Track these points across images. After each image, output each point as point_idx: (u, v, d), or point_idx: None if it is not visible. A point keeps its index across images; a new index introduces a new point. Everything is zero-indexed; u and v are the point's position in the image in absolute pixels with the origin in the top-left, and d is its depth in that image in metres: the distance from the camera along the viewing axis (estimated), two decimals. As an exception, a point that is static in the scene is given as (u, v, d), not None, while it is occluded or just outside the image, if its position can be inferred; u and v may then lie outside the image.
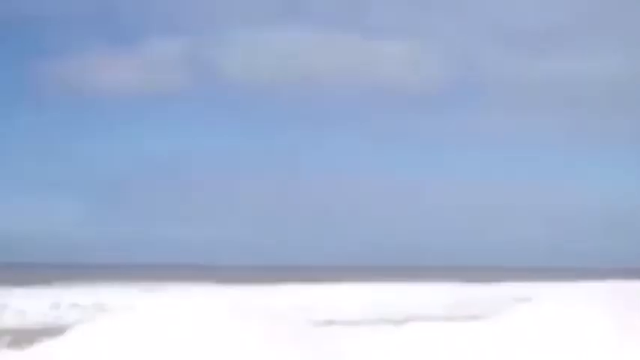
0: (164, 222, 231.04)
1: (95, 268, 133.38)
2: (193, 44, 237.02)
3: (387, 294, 57.46)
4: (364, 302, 48.83)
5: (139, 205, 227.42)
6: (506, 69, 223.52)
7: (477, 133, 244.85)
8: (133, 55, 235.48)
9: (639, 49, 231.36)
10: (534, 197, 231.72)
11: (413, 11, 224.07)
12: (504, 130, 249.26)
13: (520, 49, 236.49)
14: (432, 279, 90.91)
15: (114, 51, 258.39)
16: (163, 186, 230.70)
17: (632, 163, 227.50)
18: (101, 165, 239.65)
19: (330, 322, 34.43)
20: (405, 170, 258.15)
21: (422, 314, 37.37)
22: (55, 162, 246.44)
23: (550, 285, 72.38)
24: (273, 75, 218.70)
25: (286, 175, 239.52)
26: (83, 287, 61.18)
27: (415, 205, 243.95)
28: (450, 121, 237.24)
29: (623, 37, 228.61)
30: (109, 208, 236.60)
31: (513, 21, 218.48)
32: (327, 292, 59.00)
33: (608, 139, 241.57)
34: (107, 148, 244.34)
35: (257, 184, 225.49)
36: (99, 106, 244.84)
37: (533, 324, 24.72)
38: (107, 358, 21.05)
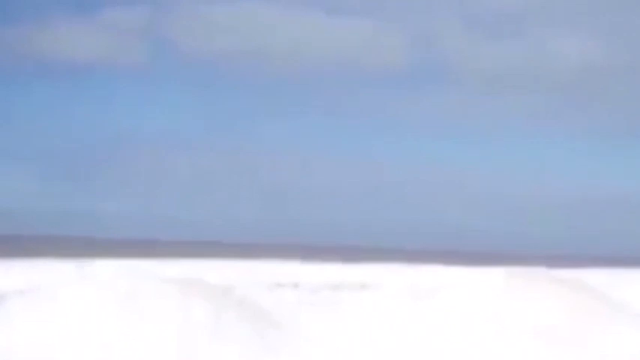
0: (116, 196, 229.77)
1: (42, 241, 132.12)
2: (151, 16, 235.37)
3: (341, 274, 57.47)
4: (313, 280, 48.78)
5: (92, 178, 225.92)
6: (469, 51, 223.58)
7: (436, 114, 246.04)
8: (91, 25, 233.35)
9: (612, 33, 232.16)
10: (486, 181, 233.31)
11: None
12: (463, 112, 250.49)
13: (484, 31, 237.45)
14: (386, 260, 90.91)
15: (72, 20, 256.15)
16: (116, 159, 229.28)
17: (597, 150, 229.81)
18: (52, 136, 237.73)
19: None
20: (362, 147, 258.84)
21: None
22: (6, 132, 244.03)
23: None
24: (233, 49, 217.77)
25: (242, 150, 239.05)
26: (23, 260, 60.39)
27: (368, 182, 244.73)
28: (410, 100, 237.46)
29: (596, 21, 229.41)
30: (62, 181, 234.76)
31: (480, 2, 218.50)
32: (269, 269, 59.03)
33: (573, 123, 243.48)
34: (61, 119, 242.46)
35: (213, 159, 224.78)
36: (55, 76, 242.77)
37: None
38: (50, 331, 20.66)
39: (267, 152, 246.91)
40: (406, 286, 42.62)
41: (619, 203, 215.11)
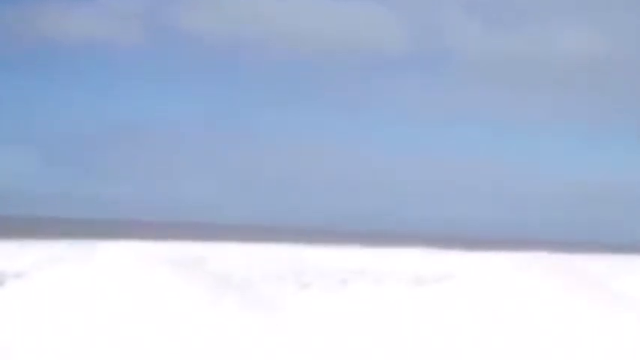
0: (117, 179, 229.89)
1: (42, 222, 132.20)
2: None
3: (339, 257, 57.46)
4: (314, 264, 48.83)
5: (92, 161, 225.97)
6: (475, 39, 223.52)
7: (436, 99, 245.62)
8: (92, 8, 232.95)
9: (618, 25, 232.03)
10: (489, 169, 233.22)
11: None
12: (465, 101, 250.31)
13: (488, 21, 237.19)
14: (389, 245, 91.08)
15: (73, 2, 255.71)
16: (118, 142, 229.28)
17: (594, 141, 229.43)
18: (52, 118, 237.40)
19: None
20: (363, 134, 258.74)
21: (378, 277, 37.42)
22: (6, 114, 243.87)
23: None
24: (235, 33, 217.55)
25: (243, 135, 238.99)
26: (23, 241, 60.43)
27: (372, 169, 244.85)
28: (410, 85, 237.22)
29: (600, 12, 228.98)
30: (64, 163, 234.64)
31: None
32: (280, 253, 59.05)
33: (577, 113, 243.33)
34: (62, 102, 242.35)
35: (214, 143, 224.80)
36: (56, 57, 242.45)
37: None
38: (51, 310, 20.68)
39: (266, 137, 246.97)
40: (409, 271, 42.73)
41: (621, 192, 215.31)
